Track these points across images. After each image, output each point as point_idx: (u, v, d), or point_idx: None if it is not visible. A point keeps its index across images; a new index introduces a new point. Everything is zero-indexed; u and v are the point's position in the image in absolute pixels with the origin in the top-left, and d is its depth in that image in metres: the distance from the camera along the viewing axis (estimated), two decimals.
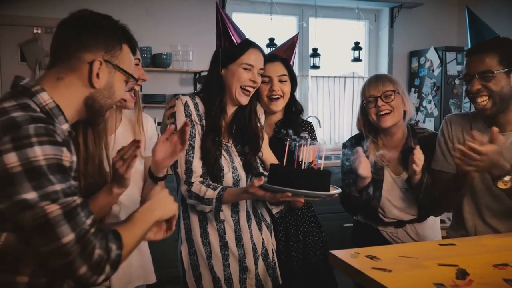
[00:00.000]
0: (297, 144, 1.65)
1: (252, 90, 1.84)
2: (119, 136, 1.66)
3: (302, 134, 1.86)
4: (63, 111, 1.17)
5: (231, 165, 1.83)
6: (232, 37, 1.82)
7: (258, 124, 1.92)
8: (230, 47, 1.82)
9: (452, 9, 5.04)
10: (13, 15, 3.77)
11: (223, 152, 1.83)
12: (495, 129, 1.67)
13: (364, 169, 1.98)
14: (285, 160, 1.65)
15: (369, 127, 2.10)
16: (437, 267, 1.37)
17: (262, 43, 4.33)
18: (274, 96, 1.98)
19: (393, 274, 1.32)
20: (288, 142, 1.68)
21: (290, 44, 2.19)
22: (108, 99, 1.25)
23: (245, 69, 1.80)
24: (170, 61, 4.07)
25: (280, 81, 1.99)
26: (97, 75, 1.20)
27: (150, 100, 3.99)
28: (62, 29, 1.24)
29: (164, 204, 1.31)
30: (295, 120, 2.06)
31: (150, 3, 4.12)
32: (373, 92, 2.01)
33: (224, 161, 1.82)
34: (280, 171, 1.64)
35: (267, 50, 4.31)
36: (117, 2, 4.02)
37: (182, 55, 4.13)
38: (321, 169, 1.64)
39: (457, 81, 4.49)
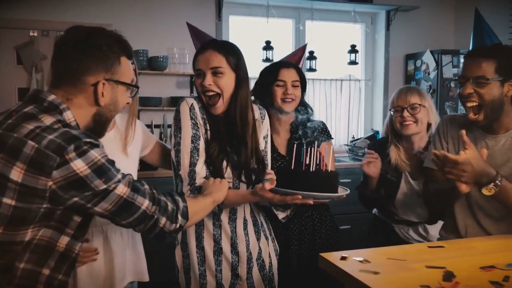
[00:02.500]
0: (305, 145, 1.69)
1: (211, 94, 1.75)
2: (108, 139, 1.69)
3: (316, 135, 2.05)
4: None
5: (232, 171, 1.79)
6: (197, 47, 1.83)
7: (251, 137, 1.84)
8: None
9: (448, 12, 5.06)
10: (10, 18, 3.78)
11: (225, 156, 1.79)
12: (465, 136, 1.65)
13: (370, 168, 2.19)
14: (293, 163, 1.66)
15: (394, 133, 2.28)
16: (425, 269, 1.38)
17: (259, 45, 4.37)
18: (288, 99, 2.10)
19: (381, 276, 1.32)
20: (296, 145, 1.72)
21: (300, 55, 2.47)
22: (113, 112, 1.36)
23: (197, 75, 1.78)
24: (167, 64, 4.08)
25: (293, 86, 2.12)
26: (102, 94, 1.28)
27: (146, 103, 4.00)
28: (62, 51, 1.29)
29: (217, 189, 1.64)
30: (306, 121, 2.19)
31: (147, 6, 4.13)
32: (401, 103, 2.20)
33: (226, 166, 1.78)
34: (288, 174, 1.64)
35: (263, 53, 4.35)
36: (114, 5, 4.03)
37: (178, 58, 4.14)
38: (329, 170, 1.65)
39: (452, 84, 4.51)
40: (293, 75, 2.12)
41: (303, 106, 2.20)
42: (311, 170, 1.60)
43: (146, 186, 1.31)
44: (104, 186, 1.18)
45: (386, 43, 4.83)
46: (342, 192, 1.67)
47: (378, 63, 4.94)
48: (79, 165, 1.14)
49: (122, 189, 1.22)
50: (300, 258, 2.12)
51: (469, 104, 1.78)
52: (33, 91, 1.28)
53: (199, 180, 1.73)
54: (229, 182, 1.75)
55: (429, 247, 1.62)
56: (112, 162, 1.23)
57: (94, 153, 1.17)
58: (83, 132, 1.20)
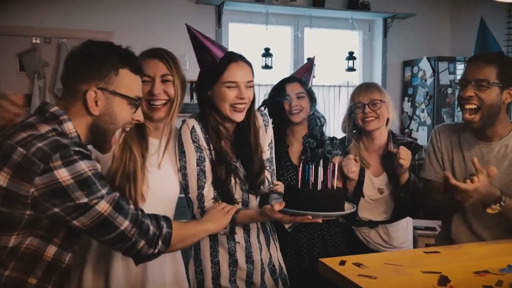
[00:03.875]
0: (311, 163, 1.65)
1: (244, 106, 1.76)
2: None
3: (328, 150, 2.10)
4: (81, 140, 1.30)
5: (241, 187, 1.81)
6: (213, 54, 1.75)
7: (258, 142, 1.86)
8: (211, 66, 1.76)
9: (445, 20, 5.13)
10: (12, 25, 3.83)
11: (233, 174, 1.80)
12: (478, 166, 1.66)
13: (355, 173, 2.16)
14: (299, 181, 1.65)
15: (354, 130, 2.29)
16: (420, 274, 1.42)
17: (258, 52, 4.42)
18: (294, 111, 2.19)
19: (378, 281, 1.37)
20: (302, 164, 1.72)
21: (307, 68, 2.50)
22: (111, 124, 1.34)
23: (228, 87, 1.73)
24: None
25: (298, 98, 2.21)
26: (96, 103, 1.28)
27: None
28: (66, 62, 1.33)
29: (217, 218, 1.60)
30: (319, 133, 2.25)
31: (148, 13, 4.18)
32: (362, 99, 2.20)
33: (235, 184, 1.79)
34: (296, 193, 1.63)
35: (263, 60, 4.40)
36: (115, 13, 4.08)
37: None
38: (335, 188, 1.64)
39: (449, 91, 4.57)
40: (297, 87, 2.23)
41: (314, 116, 2.28)
42: (318, 188, 1.61)
43: (131, 207, 1.29)
44: (85, 200, 1.17)
45: (383, 50, 4.90)
46: (349, 208, 1.68)
47: (376, 69, 5.00)
48: (62, 174, 1.13)
49: (103, 206, 1.20)
50: (310, 267, 2.14)
51: (468, 107, 1.80)
52: (40, 103, 1.31)
53: (207, 203, 1.74)
54: (239, 202, 1.76)
55: (425, 252, 1.67)
56: (100, 177, 1.22)
57: (81, 164, 1.16)
58: (75, 142, 1.20)
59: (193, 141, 1.75)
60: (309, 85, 2.38)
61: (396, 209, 2.21)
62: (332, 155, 2.19)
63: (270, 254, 1.90)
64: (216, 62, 1.75)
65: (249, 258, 1.83)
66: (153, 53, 1.67)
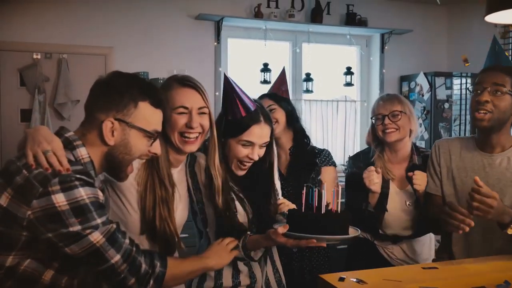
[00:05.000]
0: (314, 187, 1.64)
1: (250, 165, 1.77)
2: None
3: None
4: (94, 166, 1.31)
5: (247, 217, 1.81)
6: (242, 108, 1.72)
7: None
8: (235, 119, 1.72)
9: (441, 36, 5.19)
10: (13, 41, 3.86)
11: (239, 207, 1.79)
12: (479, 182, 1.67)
13: (377, 185, 2.14)
14: (303, 206, 1.63)
15: (377, 142, 2.27)
16: None
17: (257, 67, 4.47)
18: None
19: None
20: (305, 187, 1.68)
21: (279, 81, 2.50)
22: (126, 155, 1.34)
23: (243, 145, 1.73)
24: None
25: (270, 111, 2.19)
26: (112, 133, 1.29)
27: None
28: (90, 90, 1.35)
29: (219, 255, 1.58)
30: (303, 144, 2.32)
31: (148, 29, 4.23)
32: (382, 110, 2.19)
33: (241, 216, 1.79)
34: (299, 217, 1.60)
35: (261, 75, 4.45)
36: (116, 28, 4.12)
37: None
38: (339, 212, 1.62)
39: (446, 105, 4.60)
40: (266, 102, 2.27)
41: (294, 125, 2.33)
42: (322, 212, 1.59)
43: (127, 241, 1.27)
44: (79, 228, 1.16)
45: (380, 65, 4.95)
46: (353, 232, 1.65)
47: (373, 84, 5.04)
48: (59, 199, 1.14)
49: (96, 237, 1.18)
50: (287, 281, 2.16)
51: (481, 111, 1.82)
52: (58, 128, 1.33)
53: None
54: (249, 235, 1.76)
55: (423, 268, 1.68)
56: (99, 205, 1.21)
57: (81, 191, 1.16)
58: (81, 169, 1.21)
59: (206, 177, 1.75)
60: (287, 95, 2.43)
61: (422, 224, 2.18)
62: (319, 166, 2.26)
63: (266, 269, 1.93)
64: (242, 116, 1.71)
65: (251, 275, 1.86)
66: (186, 81, 1.62)
